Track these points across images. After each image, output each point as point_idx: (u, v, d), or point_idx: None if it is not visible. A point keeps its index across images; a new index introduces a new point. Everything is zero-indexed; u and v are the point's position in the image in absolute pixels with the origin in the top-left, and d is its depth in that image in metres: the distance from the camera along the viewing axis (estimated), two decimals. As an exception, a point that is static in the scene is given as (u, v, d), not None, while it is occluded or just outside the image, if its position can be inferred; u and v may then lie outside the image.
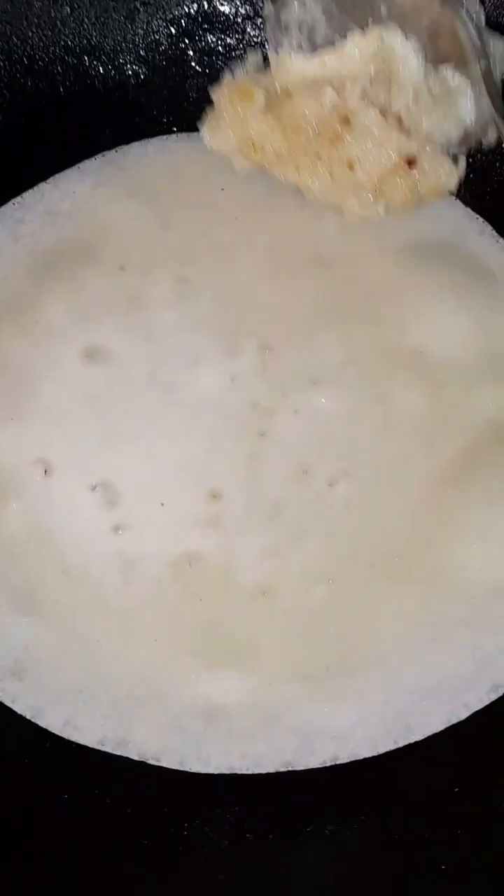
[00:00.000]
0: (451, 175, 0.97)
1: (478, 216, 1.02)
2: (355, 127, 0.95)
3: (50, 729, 0.82)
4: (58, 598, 0.86)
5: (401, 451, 0.92)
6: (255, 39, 1.06)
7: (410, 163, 0.96)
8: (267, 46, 0.98)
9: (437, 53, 0.96)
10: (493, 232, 1.01)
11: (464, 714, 0.84)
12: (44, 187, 1.02)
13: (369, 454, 0.92)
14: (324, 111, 0.95)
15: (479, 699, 0.85)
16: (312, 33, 0.97)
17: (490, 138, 0.98)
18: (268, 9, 0.97)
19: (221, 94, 0.98)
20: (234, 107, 0.97)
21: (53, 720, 0.82)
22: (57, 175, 1.02)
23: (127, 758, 0.80)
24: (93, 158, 1.02)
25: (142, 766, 0.80)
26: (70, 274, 0.98)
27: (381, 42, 0.94)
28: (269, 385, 0.94)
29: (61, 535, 0.88)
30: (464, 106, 0.96)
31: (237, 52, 1.06)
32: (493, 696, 0.85)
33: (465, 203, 1.02)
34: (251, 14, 1.05)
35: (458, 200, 1.02)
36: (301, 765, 0.81)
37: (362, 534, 0.89)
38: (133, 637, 0.85)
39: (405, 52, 0.94)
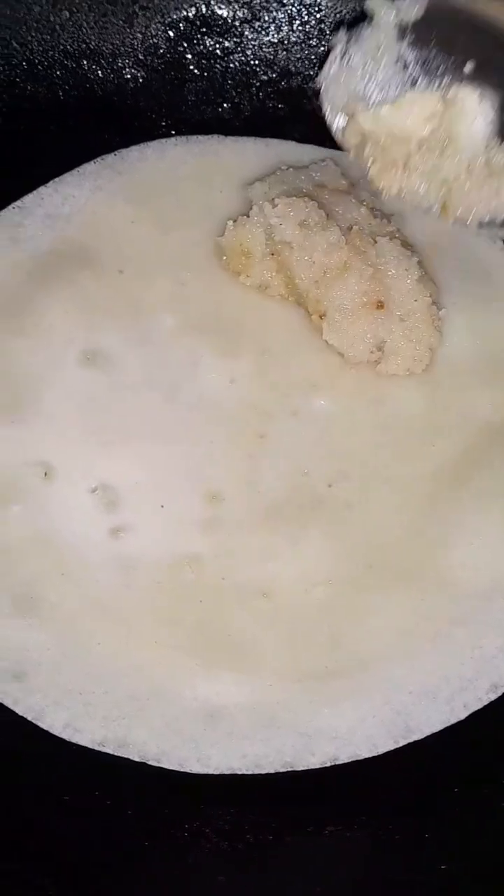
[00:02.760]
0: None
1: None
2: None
3: (51, 731, 0.82)
4: (58, 600, 0.86)
5: (398, 452, 0.92)
6: (252, 43, 1.06)
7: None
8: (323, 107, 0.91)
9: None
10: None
11: (463, 714, 0.84)
12: (43, 191, 1.02)
13: (367, 456, 0.92)
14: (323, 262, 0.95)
15: (477, 699, 0.85)
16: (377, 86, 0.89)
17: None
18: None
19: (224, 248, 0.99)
20: (236, 261, 0.98)
21: (54, 722, 0.82)
22: (56, 179, 1.02)
23: (127, 759, 0.80)
24: (92, 162, 1.03)
25: (141, 767, 0.80)
26: (69, 277, 0.98)
27: (449, 101, 0.87)
28: (269, 388, 0.94)
29: (61, 537, 0.88)
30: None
31: (235, 56, 1.06)
32: (492, 696, 0.85)
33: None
34: (249, 18, 1.06)
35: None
36: (301, 765, 0.82)
37: (361, 535, 0.89)
38: (133, 639, 0.85)
39: (474, 115, 0.87)
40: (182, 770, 0.81)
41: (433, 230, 1.01)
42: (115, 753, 0.81)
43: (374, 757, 0.81)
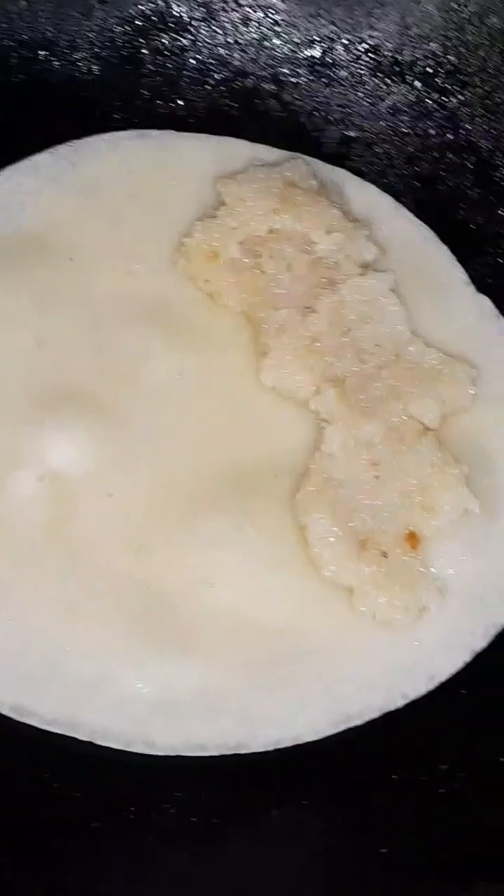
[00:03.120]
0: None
1: (422, 224, 1.04)
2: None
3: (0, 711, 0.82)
4: (6, 585, 0.87)
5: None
6: (208, 41, 1.08)
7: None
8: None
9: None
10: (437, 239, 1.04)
11: (401, 702, 0.86)
12: (-4, 179, 1.02)
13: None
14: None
15: (415, 689, 0.87)
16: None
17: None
18: None
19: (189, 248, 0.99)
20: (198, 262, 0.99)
21: (2, 704, 0.83)
22: (10, 167, 1.02)
23: (74, 745, 0.81)
24: (45, 152, 1.02)
25: (88, 752, 0.81)
26: (21, 264, 0.98)
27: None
28: (216, 383, 0.96)
29: (8, 523, 0.89)
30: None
31: (191, 53, 1.07)
32: (430, 687, 0.87)
33: (411, 210, 1.05)
34: (205, 16, 1.07)
35: (403, 208, 1.04)
36: (244, 748, 0.83)
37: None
38: (81, 624, 0.86)
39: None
40: (128, 750, 0.82)
41: (404, 229, 1.03)
42: (64, 733, 0.82)
43: (316, 743, 0.83)
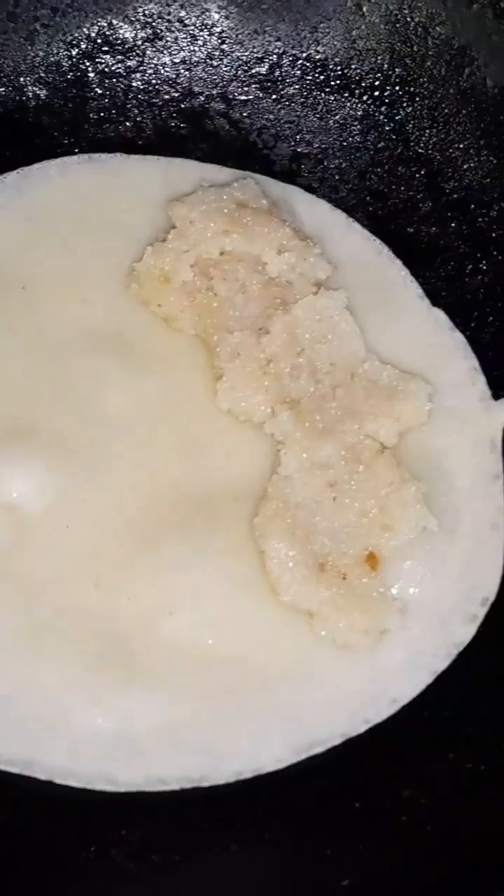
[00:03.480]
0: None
1: (375, 238, 1.04)
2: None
3: (-45, 752, 0.82)
4: (-37, 620, 0.87)
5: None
6: (154, 62, 1.07)
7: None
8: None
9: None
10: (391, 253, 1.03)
11: (363, 728, 0.86)
12: None
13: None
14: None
15: (378, 713, 0.87)
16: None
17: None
18: None
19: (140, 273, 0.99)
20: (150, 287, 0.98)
21: (-41, 744, 0.83)
22: (-42, 196, 1.02)
23: (33, 782, 0.81)
24: (-7, 180, 1.02)
25: (46, 790, 0.81)
26: (-29, 293, 0.98)
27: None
28: (173, 406, 0.95)
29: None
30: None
31: (137, 75, 1.07)
32: (393, 710, 0.87)
33: (364, 225, 1.04)
34: (151, 37, 1.06)
35: (355, 223, 1.04)
36: (206, 781, 0.83)
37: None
38: (39, 659, 0.86)
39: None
40: (89, 788, 0.81)
41: (356, 245, 1.03)
42: (22, 773, 0.82)
43: (277, 776, 0.83)
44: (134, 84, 1.07)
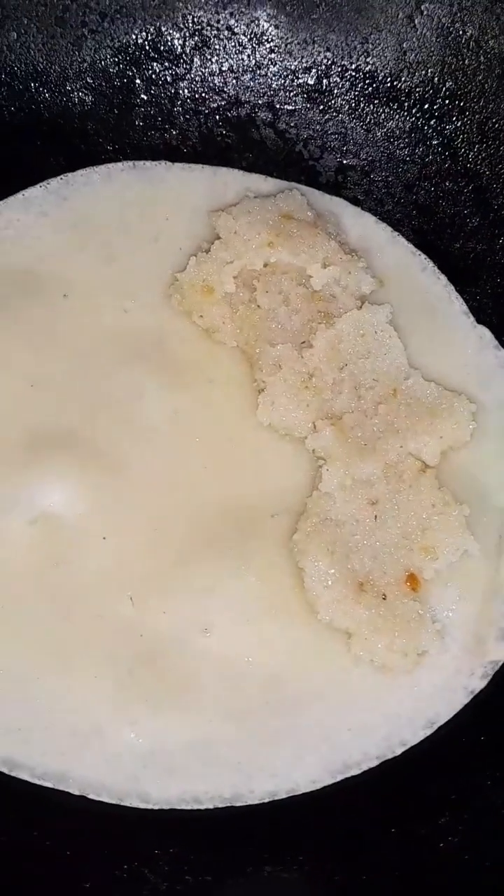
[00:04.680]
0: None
1: (420, 253, 1.02)
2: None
3: (-10, 767, 0.82)
4: (-3, 634, 0.86)
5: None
6: (202, 70, 1.06)
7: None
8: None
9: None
10: (435, 268, 1.02)
11: (399, 750, 0.85)
12: (-12, 215, 1.01)
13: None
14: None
15: (414, 735, 0.86)
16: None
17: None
18: None
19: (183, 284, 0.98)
20: (192, 298, 0.97)
21: (-7, 758, 0.82)
22: (1, 203, 1.01)
23: (66, 802, 0.80)
24: (38, 186, 1.01)
25: (80, 809, 0.80)
26: (14, 302, 0.97)
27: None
28: (211, 420, 0.94)
29: (1, 569, 0.88)
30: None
31: (184, 83, 1.06)
32: (428, 732, 0.86)
33: (409, 239, 1.03)
34: (199, 45, 1.05)
35: (400, 237, 1.03)
36: (239, 801, 0.82)
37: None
38: (72, 674, 0.85)
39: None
40: (122, 804, 0.81)
41: (401, 259, 1.02)
42: (55, 787, 0.81)
43: (312, 797, 0.82)
44: (180, 92, 1.06)
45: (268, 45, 1.06)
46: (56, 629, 0.86)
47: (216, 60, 1.06)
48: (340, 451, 0.92)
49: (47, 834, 0.78)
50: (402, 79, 1.05)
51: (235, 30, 1.05)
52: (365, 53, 1.05)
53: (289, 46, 1.06)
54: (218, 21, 1.05)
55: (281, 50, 1.06)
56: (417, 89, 1.05)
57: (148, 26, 1.05)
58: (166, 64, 1.06)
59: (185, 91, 1.06)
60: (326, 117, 1.07)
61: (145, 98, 1.06)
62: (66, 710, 0.84)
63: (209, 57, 1.06)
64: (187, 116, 1.06)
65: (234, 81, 1.07)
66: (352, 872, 0.77)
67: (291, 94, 1.06)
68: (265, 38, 1.06)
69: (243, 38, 1.06)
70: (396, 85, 1.05)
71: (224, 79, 1.06)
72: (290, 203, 1.00)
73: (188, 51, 1.06)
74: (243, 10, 1.05)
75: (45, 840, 0.78)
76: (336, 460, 0.92)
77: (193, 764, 0.83)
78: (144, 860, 0.78)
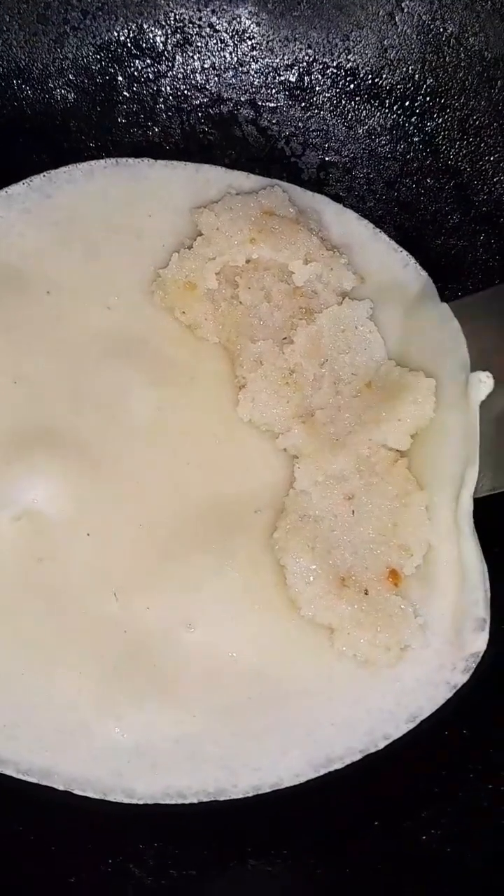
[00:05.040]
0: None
1: (402, 250, 1.03)
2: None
3: (-26, 762, 0.82)
4: (-19, 630, 0.86)
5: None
6: (184, 67, 1.06)
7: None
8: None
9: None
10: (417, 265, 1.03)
11: (382, 744, 0.86)
12: (-29, 212, 1.01)
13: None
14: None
15: (397, 729, 0.87)
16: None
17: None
18: None
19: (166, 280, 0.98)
20: (175, 294, 0.98)
21: (-23, 754, 0.82)
22: (-16, 200, 1.01)
23: (50, 797, 0.80)
24: (20, 183, 1.01)
25: (64, 804, 0.80)
26: (-3, 299, 0.98)
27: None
28: (196, 415, 0.95)
29: (-15, 565, 0.88)
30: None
31: (167, 80, 1.06)
32: (411, 726, 0.87)
33: (391, 235, 1.03)
34: (181, 42, 1.06)
35: (382, 233, 1.03)
36: (224, 795, 0.83)
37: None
38: (57, 670, 0.85)
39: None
40: (107, 800, 0.81)
41: (382, 256, 1.02)
42: (40, 783, 0.82)
43: (296, 791, 0.82)
44: (163, 89, 1.06)
45: (249, 43, 1.06)
46: (40, 625, 0.86)
47: (198, 58, 1.07)
48: (311, 449, 0.92)
49: (32, 829, 0.79)
50: (384, 76, 1.06)
51: (217, 27, 1.06)
52: (346, 51, 1.06)
53: (270, 44, 1.06)
54: (200, 18, 1.06)
55: (262, 47, 1.06)
56: (398, 86, 1.05)
57: (130, 23, 1.05)
58: (148, 61, 1.06)
59: (168, 88, 1.06)
60: (308, 114, 1.07)
61: (127, 95, 1.06)
62: (51, 706, 0.84)
63: (191, 54, 1.06)
64: (170, 114, 1.07)
65: (217, 79, 1.07)
66: (336, 866, 0.78)
67: (273, 91, 1.07)
68: (247, 35, 1.06)
69: (225, 35, 1.06)
70: (377, 82, 1.06)
71: (206, 76, 1.07)
72: (273, 200, 1.00)
73: (170, 48, 1.06)
74: (225, 7, 1.05)
75: (30, 835, 0.78)
76: (307, 457, 0.92)
77: (178, 759, 0.84)
78: (129, 855, 0.78)
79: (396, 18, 1.04)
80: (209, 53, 1.06)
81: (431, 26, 1.03)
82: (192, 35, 1.06)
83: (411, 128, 1.06)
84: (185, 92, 1.07)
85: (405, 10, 1.03)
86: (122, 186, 1.03)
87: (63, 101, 1.05)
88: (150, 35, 1.05)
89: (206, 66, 1.07)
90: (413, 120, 1.05)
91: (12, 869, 0.77)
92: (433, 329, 0.98)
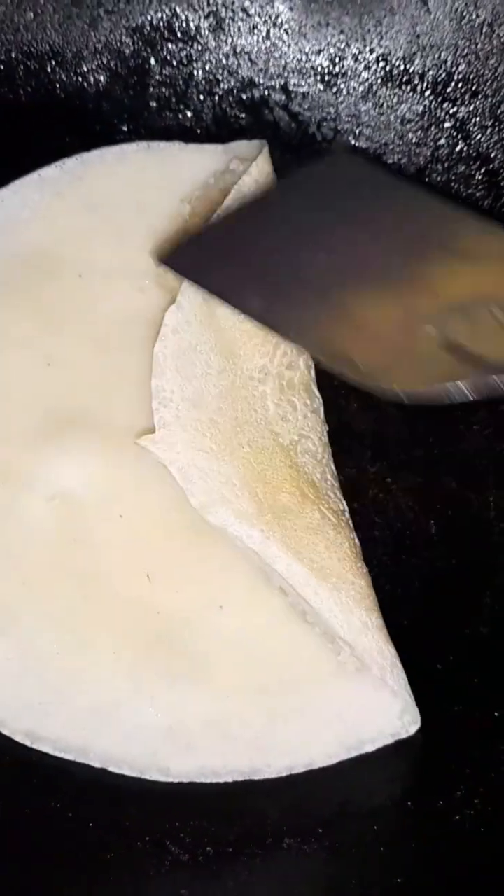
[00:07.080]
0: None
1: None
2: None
3: (13, 737, 0.82)
4: (15, 610, 0.87)
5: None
6: (216, 51, 1.07)
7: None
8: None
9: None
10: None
11: (413, 729, 0.86)
12: (3, 194, 1.01)
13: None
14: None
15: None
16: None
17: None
18: None
19: None
20: None
21: (14, 732, 0.83)
22: (17, 182, 1.01)
23: (87, 773, 0.81)
24: (53, 166, 1.02)
25: (101, 780, 0.81)
26: (29, 282, 0.98)
27: None
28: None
29: (19, 547, 0.89)
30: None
31: (199, 63, 1.06)
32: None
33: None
34: (214, 26, 1.06)
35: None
36: (258, 774, 0.83)
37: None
38: (91, 650, 0.86)
39: None
40: (143, 777, 0.82)
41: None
42: (77, 760, 0.82)
43: (330, 770, 0.82)
44: (195, 73, 1.07)
45: (282, 27, 1.07)
46: (75, 606, 0.87)
47: (230, 42, 1.07)
48: None
49: (69, 806, 0.79)
50: (416, 62, 1.06)
51: (250, 11, 1.06)
52: (379, 36, 1.06)
53: (303, 29, 1.07)
54: (233, 2, 1.06)
55: (295, 32, 1.07)
56: (430, 73, 1.06)
57: (163, 7, 1.05)
58: (181, 45, 1.06)
59: (200, 72, 1.07)
60: (339, 100, 1.07)
61: (159, 79, 1.06)
62: (85, 687, 0.84)
63: (224, 38, 1.07)
64: (201, 98, 1.07)
65: (248, 63, 1.07)
66: (370, 845, 0.78)
67: (305, 76, 1.07)
68: (279, 19, 1.06)
69: (258, 19, 1.06)
70: (409, 68, 1.06)
71: (238, 60, 1.07)
72: None
73: (203, 32, 1.06)
74: (258, -9, 1.06)
75: (68, 812, 0.79)
76: None
77: (211, 739, 0.84)
78: (166, 832, 0.78)
79: (429, 4, 1.04)
80: (241, 38, 1.07)
81: (464, 13, 1.03)
82: (224, 19, 1.06)
83: (442, 114, 1.06)
84: (217, 76, 1.07)
85: (438, -3, 1.04)
86: (153, 169, 1.04)
87: (95, 84, 1.05)
88: (184, 18, 1.06)
89: (237, 50, 1.07)
90: (444, 106, 1.06)
91: (50, 846, 0.77)
92: None
